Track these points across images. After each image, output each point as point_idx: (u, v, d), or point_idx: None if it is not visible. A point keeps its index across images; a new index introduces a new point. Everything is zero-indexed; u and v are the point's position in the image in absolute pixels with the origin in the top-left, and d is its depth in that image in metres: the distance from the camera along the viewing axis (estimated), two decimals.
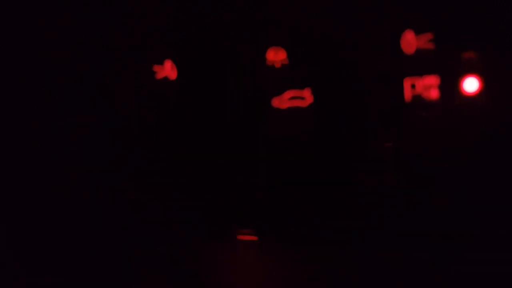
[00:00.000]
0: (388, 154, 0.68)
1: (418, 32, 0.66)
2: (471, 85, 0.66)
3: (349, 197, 0.68)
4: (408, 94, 0.67)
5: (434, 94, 0.66)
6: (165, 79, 0.74)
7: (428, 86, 0.66)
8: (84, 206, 0.73)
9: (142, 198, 0.72)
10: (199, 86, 0.73)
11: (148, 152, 0.74)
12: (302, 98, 0.70)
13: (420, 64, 0.67)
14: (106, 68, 0.74)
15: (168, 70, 0.73)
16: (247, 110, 0.72)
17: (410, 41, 0.67)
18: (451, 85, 0.66)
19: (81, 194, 0.75)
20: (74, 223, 0.73)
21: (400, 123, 0.68)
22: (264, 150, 0.71)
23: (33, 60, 0.74)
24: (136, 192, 0.73)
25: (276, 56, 0.71)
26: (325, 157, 0.70)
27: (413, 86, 0.67)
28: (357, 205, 0.68)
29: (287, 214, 0.69)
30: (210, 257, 0.69)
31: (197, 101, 0.73)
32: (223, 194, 0.71)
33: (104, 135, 0.74)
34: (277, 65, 0.71)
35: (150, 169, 0.73)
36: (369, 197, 0.68)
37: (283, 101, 0.71)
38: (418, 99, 0.67)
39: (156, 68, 0.74)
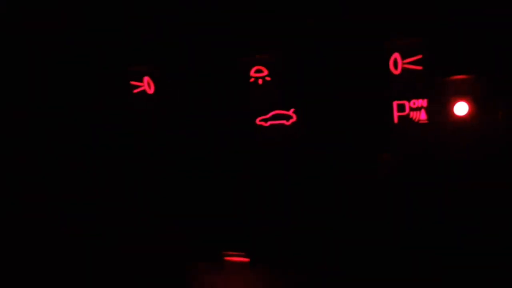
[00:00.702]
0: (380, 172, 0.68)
1: (407, 55, 0.63)
2: (461, 108, 0.64)
3: (336, 217, 0.69)
4: (396, 115, 0.65)
5: (423, 116, 0.65)
6: (143, 93, 0.71)
7: (417, 108, 0.64)
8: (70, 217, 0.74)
9: (128, 215, 0.72)
10: (181, 102, 0.71)
11: (134, 168, 0.73)
12: (286, 117, 0.68)
13: (409, 87, 0.64)
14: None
15: (146, 85, 0.71)
16: (232, 127, 0.70)
17: (398, 63, 0.63)
18: (440, 108, 0.64)
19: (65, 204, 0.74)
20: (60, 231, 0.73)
21: (387, 143, 0.67)
22: (250, 168, 0.70)
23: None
24: (121, 208, 0.72)
25: (258, 73, 0.67)
26: (311, 176, 0.69)
27: (402, 108, 0.65)
28: (343, 224, 0.69)
29: (278, 235, 0.70)
30: (198, 278, 0.70)
31: (180, 117, 0.71)
32: (211, 213, 0.71)
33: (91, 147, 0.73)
34: (260, 82, 0.68)
35: (135, 188, 0.73)
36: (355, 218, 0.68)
37: (267, 118, 0.69)
38: (407, 121, 0.65)
39: (135, 83, 0.71)
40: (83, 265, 0.72)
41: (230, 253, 0.71)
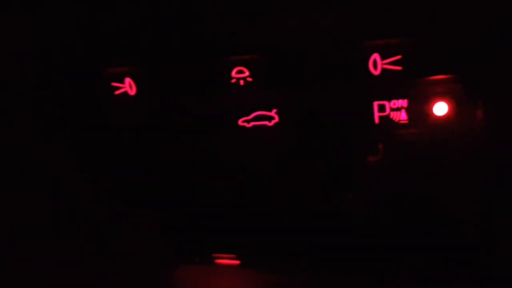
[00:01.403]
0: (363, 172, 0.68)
1: (387, 56, 0.63)
2: (440, 108, 0.64)
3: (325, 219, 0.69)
4: (377, 116, 0.66)
5: (403, 116, 0.65)
6: (125, 94, 0.71)
7: (397, 109, 0.65)
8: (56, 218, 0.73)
9: (117, 218, 0.72)
10: (163, 103, 0.71)
11: (119, 171, 0.73)
12: (269, 117, 0.68)
13: (389, 87, 0.65)
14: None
15: (127, 86, 0.71)
16: (215, 128, 0.70)
17: (378, 64, 0.64)
18: (420, 108, 0.64)
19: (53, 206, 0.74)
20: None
21: (368, 144, 0.67)
22: (236, 168, 0.71)
23: None
24: (110, 211, 0.73)
25: (240, 74, 0.68)
26: (295, 177, 0.69)
27: (382, 108, 0.65)
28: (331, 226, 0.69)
29: (268, 237, 0.70)
30: (189, 280, 0.70)
31: (161, 118, 0.71)
32: (201, 215, 0.71)
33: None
34: (241, 83, 0.68)
35: (122, 190, 0.73)
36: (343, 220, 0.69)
37: (249, 119, 0.69)
38: (387, 121, 0.66)
39: (116, 84, 0.71)
40: (73, 265, 0.72)
41: (221, 255, 0.71)
